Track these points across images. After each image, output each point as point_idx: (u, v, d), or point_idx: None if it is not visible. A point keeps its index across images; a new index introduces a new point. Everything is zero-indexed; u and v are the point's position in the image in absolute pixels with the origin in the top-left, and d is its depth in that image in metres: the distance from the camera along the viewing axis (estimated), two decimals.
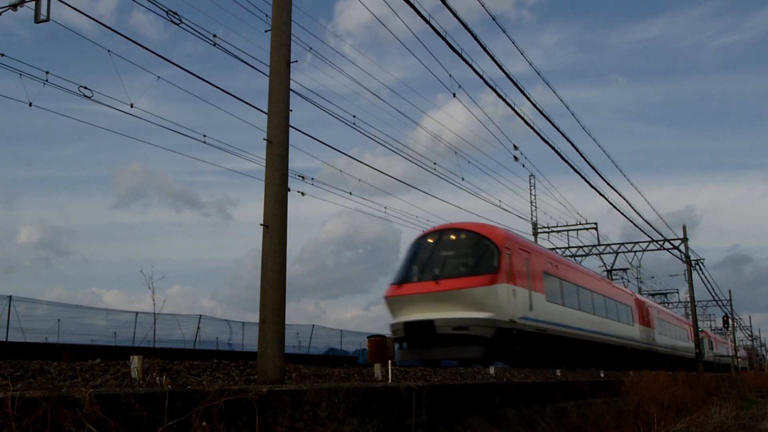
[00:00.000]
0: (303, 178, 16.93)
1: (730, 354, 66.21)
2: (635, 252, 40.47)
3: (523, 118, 15.70)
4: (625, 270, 45.89)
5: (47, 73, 11.29)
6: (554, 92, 25.87)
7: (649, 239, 37.15)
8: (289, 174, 7.73)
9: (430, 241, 18.10)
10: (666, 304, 60.25)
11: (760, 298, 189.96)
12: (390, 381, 8.58)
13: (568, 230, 39.15)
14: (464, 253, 17.68)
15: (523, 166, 25.53)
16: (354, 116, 15.50)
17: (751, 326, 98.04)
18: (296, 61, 7.73)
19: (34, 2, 9.99)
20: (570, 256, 38.14)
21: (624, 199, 28.04)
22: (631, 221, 29.67)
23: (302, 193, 16.49)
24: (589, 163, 21.64)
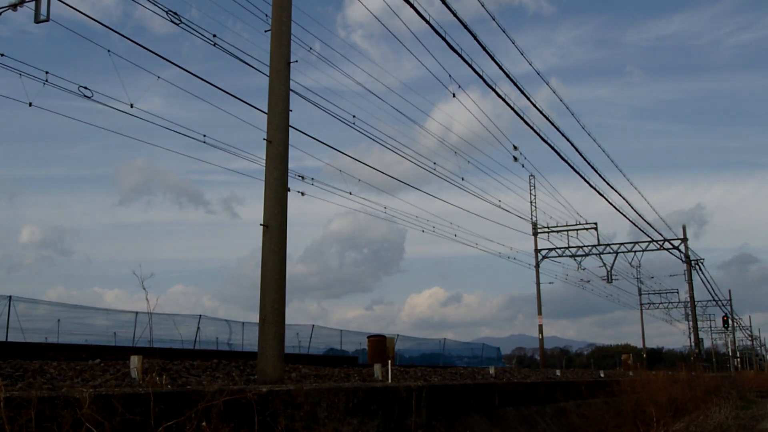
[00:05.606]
0: (303, 178, 16.91)
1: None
2: (635, 252, 40.46)
3: (522, 118, 15.69)
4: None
5: (47, 73, 11.27)
6: (554, 92, 25.72)
7: (649, 239, 37.16)
8: (289, 174, 7.72)
9: None
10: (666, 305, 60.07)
11: (763, 298, 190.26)
12: (390, 381, 8.58)
13: (568, 230, 39.11)
14: None
15: (523, 166, 25.53)
16: (354, 116, 15.51)
17: (750, 326, 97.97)
18: (296, 61, 7.72)
19: (34, 2, 9.98)
20: (570, 256, 38.12)
21: (624, 199, 28.01)
22: (632, 222, 29.67)
23: (302, 193, 16.50)
24: (589, 163, 21.59)
